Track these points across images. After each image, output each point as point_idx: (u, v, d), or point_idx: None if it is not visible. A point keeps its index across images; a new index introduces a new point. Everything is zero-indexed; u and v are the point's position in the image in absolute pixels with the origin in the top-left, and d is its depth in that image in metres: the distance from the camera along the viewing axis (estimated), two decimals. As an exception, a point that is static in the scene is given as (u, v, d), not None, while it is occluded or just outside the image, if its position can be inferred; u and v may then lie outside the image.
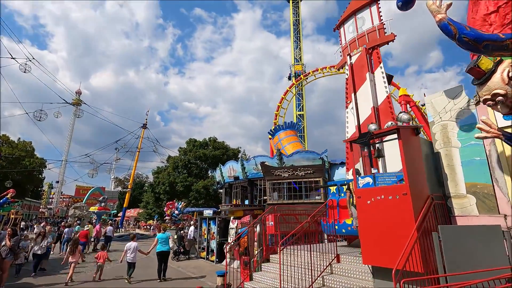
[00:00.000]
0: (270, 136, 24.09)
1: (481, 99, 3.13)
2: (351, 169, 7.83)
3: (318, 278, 5.62)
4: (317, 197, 10.57)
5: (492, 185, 4.43)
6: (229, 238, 12.75)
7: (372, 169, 5.94)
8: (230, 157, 32.46)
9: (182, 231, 15.64)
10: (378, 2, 8.64)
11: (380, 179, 4.76)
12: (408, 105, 28.32)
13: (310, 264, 5.85)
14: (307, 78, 35.40)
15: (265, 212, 7.66)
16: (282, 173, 10.90)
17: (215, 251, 13.11)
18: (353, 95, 8.53)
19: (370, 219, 4.63)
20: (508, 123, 4.42)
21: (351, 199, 6.11)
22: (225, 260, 12.07)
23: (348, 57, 9.01)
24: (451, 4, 3.47)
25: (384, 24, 8.39)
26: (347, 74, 9.16)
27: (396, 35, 8.00)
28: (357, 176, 5.14)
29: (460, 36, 3.30)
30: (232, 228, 12.76)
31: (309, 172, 10.61)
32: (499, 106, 3.01)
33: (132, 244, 8.73)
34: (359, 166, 7.74)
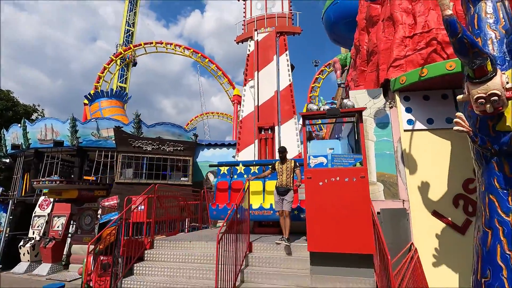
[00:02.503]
0: (86, 101, 19.31)
1: (473, 97, 3.54)
2: (243, 150, 7.27)
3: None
4: (183, 178, 9.14)
5: (396, 175, 5.34)
6: (31, 231, 8.49)
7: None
8: (21, 115, 22.52)
9: None
10: (290, -9, 8.71)
11: (337, 160, 4.49)
12: (239, 105, 31.72)
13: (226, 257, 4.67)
14: (144, 48, 31.30)
15: (147, 191, 5.49)
16: (144, 146, 8.54)
17: (-2, 253, 8.32)
18: (256, 73, 8.04)
19: (322, 202, 4.24)
20: (410, 127, 5.48)
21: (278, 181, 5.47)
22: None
23: (254, 32, 8.43)
24: (453, 5, 3.74)
25: (293, 14, 8.56)
26: (249, 50, 8.56)
27: (302, 30, 8.34)
28: (309, 155, 4.62)
29: (462, 36, 3.56)
30: (40, 216, 8.60)
31: (178, 148, 8.97)
32: (488, 106, 3.51)
33: None
34: (253, 148, 7.32)
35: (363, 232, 4.03)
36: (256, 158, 7.47)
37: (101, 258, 4.94)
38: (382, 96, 5.78)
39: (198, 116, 44.26)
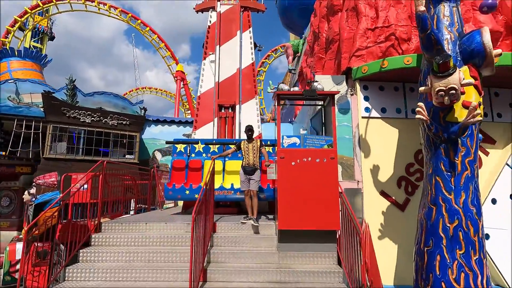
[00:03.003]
0: (-10, 59, 16.02)
1: (435, 89, 3.93)
2: (200, 128, 6.97)
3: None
4: (128, 156, 8.28)
5: (353, 158, 5.74)
6: None
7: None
8: None
9: None
10: (256, -36, 8.34)
11: (309, 141, 4.57)
12: (182, 82, 30.18)
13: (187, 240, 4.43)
14: (70, 4, 26.63)
15: (95, 168, 4.72)
16: (82, 117, 7.36)
17: None
18: (217, 47, 7.59)
19: (294, 181, 4.33)
20: (367, 114, 5.92)
21: (241, 161, 5.32)
22: None
23: (217, 2, 7.88)
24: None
25: (258, -10, 8.24)
26: (210, 21, 7.98)
27: (266, 8, 8.12)
28: (282, 135, 4.59)
29: (430, 32, 3.92)
30: None
31: (124, 122, 8.02)
32: (446, 98, 3.94)
33: None
34: (211, 126, 7.06)
35: (330, 210, 4.27)
36: (215, 137, 7.19)
37: (36, 245, 4.17)
38: (345, 83, 6.07)
39: (132, 91, 40.64)
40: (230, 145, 6.63)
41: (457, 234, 3.90)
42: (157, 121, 10.05)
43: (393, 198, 5.66)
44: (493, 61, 4.09)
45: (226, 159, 6.52)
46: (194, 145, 6.63)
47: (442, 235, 3.95)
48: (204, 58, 7.74)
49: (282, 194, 4.31)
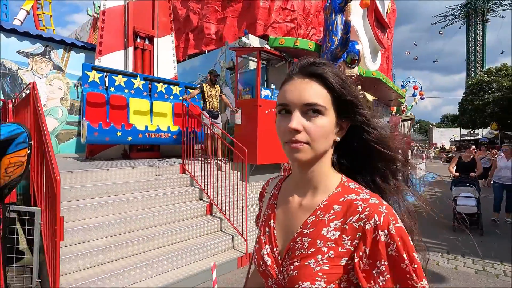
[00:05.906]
0: None
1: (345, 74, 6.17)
2: (106, 55, 5.98)
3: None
4: None
5: (267, 111, 7.25)
6: None
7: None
8: None
9: None
10: None
11: (276, 94, 5.56)
12: None
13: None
14: None
15: None
16: None
17: None
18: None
19: (266, 126, 5.34)
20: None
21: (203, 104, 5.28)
22: None
23: None
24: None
25: None
26: None
27: None
28: (261, 87, 5.24)
29: (349, 36, 6.19)
30: None
31: None
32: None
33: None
34: (124, 55, 6.20)
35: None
36: (131, 70, 5.91)
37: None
38: (267, 46, 7.27)
39: None
40: (156, 83, 5.98)
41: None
42: (12, 31, 5.69)
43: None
44: (359, 63, 7.10)
45: (153, 99, 5.88)
46: (113, 77, 5.31)
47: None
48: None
49: (261, 136, 5.23)
